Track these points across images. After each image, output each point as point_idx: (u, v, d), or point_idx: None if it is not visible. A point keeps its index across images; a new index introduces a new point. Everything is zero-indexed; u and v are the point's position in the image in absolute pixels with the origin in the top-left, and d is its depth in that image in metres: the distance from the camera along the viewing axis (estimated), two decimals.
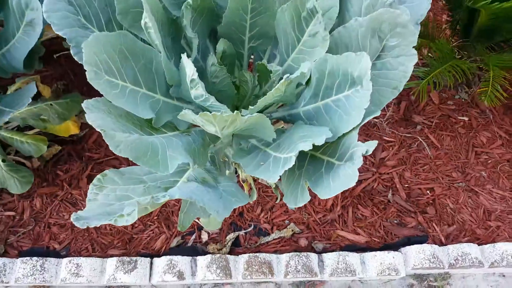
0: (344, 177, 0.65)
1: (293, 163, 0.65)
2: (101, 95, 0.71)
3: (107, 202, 0.71)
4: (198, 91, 0.71)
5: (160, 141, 0.74)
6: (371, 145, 0.65)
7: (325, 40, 0.78)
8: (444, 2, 1.65)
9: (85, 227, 0.62)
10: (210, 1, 0.84)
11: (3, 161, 1.25)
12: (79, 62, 0.93)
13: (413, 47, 0.76)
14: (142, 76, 0.81)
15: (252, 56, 1.00)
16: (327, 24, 0.83)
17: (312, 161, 0.78)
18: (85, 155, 1.46)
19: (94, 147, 1.49)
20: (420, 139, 1.56)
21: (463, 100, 1.69)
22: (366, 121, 0.69)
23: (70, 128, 1.40)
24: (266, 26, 0.88)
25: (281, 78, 0.86)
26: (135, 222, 1.34)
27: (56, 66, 1.66)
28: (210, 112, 0.83)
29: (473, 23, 1.52)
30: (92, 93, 1.68)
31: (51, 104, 1.27)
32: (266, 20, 0.86)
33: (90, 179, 1.42)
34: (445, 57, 1.51)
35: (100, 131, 0.64)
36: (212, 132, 0.74)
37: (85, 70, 0.70)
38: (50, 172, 1.42)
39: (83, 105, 0.69)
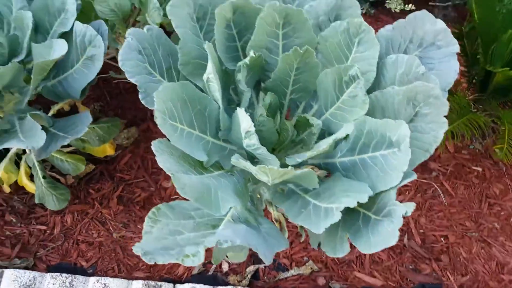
0: (384, 235, 0.71)
1: (339, 218, 0.72)
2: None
3: (161, 235, 0.78)
4: (251, 141, 0.80)
5: (212, 183, 0.81)
6: (410, 207, 0.71)
7: (364, 103, 0.86)
8: (461, 55, 1.76)
9: (153, 263, 0.68)
10: (261, 59, 0.94)
11: (44, 177, 1.32)
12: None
13: (444, 116, 0.85)
14: (196, 120, 0.89)
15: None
16: (365, 85, 0.92)
17: (349, 212, 0.84)
18: (117, 175, 1.54)
19: (126, 168, 1.56)
20: (435, 185, 1.63)
21: (477, 150, 1.77)
22: (404, 183, 0.77)
23: (107, 150, 1.48)
24: (307, 82, 0.97)
25: (322, 130, 0.94)
26: None
27: (94, 88, 1.77)
28: (254, 157, 0.92)
29: (489, 80, 1.62)
30: (126, 116, 1.76)
31: (93, 127, 1.36)
32: (308, 77, 0.95)
33: (120, 199, 1.48)
34: (462, 110, 1.60)
35: (169, 174, 0.71)
36: (264, 180, 0.81)
37: (155, 116, 0.78)
38: (82, 189, 1.49)
39: (153, 148, 0.77)
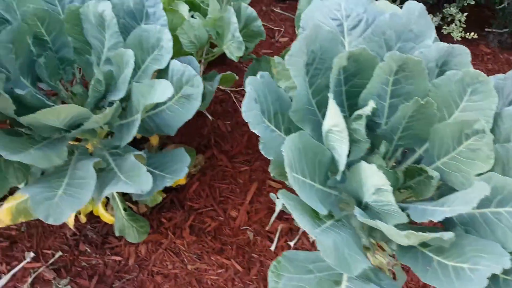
0: None
1: (486, 284, 0.70)
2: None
3: None
4: (382, 198, 0.78)
5: (337, 239, 0.80)
6: None
7: (489, 158, 0.85)
8: None
9: None
10: (375, 109, 0.94)
11: (124, 209, 1.33)
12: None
13: None
14: (307, 168, 0.89)
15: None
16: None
17: None
18: (186, 204, 1.54)
19: (195, 196, 1.56)
20: None
21: None
22: None
23: (180, 179, 1.48)
24: (419, 130, 0.96)
25: (441, 181, 0.93)
26: (234, 280, 1.38)
27: None
28: (367, 208, 0.91)
29: None
30: (191, 143, 1.77)
31: None
32: (422, 126, 0.94)
33: (192, 229, 1.48)
34: None
35: (312, 236, 0.70)
36: (401, 243, 0.80)
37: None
38: (154, 219, 1.49)
39: (286, 205, 0.76)
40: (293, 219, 1.54)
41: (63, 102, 1.23)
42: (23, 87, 1.05)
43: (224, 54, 1.46)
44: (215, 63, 1.88)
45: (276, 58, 1.33)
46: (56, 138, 1.11)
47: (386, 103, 0.97)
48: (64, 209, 0.93)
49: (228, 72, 1.37)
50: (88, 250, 1.42)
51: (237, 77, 1.42)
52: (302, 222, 0.76)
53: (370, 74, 0.94)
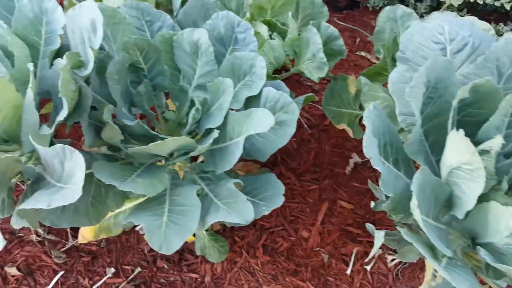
0: None
1: None
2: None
3: None
4: None
5: (466, 282, 0.77)
6: None
7: None
8: None
9: None
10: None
11: (206, 229, 1.34)
12: None
13: None
14: (423, 203, 0.86)
15: None
16: None
17: None
18: (258, 223, 1.54)
19: (265, 215, 1.55)
20: None
21: None
22: None
23: None
24: None
25: None
26: None
27: None
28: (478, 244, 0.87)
29: None
30: (257, 161, 1.75)
31: None
32: None
33: (265, 248, 1.48)
34: None
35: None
36: None
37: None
38: (228, 237, 1.49)
39: (418, 247, 0.74)
40: (367, 242, 1.51)
41: (152, 128, 1.25)
42: (124, 115, 1.07)
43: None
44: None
45: (362, 79, 1.30)
46: (150, 164, 1.13)
47: (502, 133, 0.93)
48: (171, 237, 0.94)
49: (310, 94, 1.35)
50: (166, 266, 1.44)
51: (316, 98, 1.40)
52: (430, 261, 0.74)
53: (488, 104, 0.90)
